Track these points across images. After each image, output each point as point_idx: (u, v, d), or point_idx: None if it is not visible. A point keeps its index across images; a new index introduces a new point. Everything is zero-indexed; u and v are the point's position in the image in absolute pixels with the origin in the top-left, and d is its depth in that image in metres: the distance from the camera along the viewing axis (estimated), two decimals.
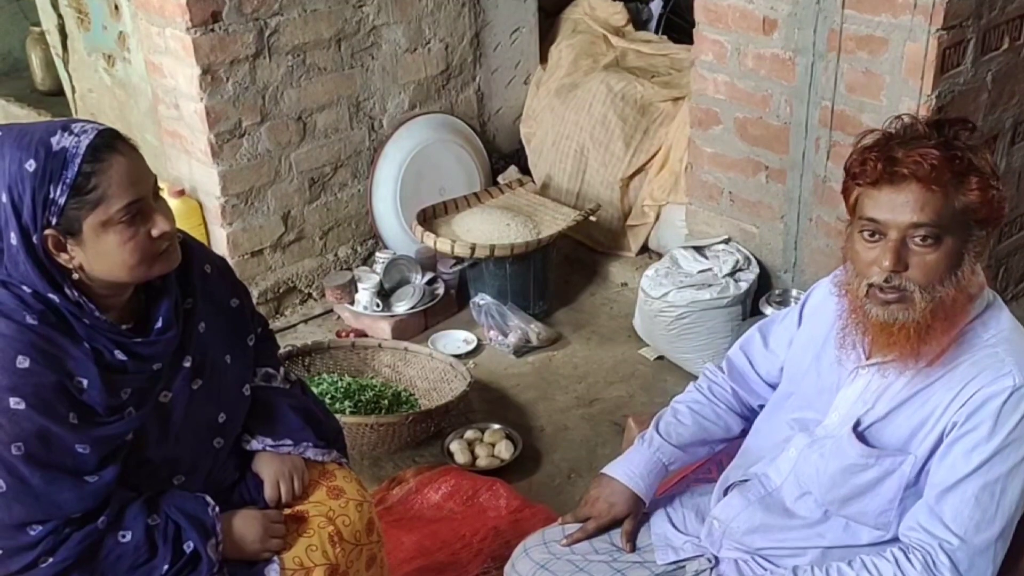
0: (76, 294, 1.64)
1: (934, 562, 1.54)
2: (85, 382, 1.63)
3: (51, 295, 1.62)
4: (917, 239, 1.52)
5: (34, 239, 1.60)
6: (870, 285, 1.56)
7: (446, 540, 2.66)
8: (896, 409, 1.62)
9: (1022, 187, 3.33)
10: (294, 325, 3.74)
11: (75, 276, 1.64)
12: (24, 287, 1.62)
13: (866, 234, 1.57)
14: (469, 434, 3.09)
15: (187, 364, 1.78)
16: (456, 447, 3.03)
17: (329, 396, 3.11)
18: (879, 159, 1.54)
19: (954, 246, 1.54)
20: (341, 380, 3.23)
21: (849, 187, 1.61)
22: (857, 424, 1.65)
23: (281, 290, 3.76)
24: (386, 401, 3.16)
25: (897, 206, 1.52)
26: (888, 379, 1.64)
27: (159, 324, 1.73)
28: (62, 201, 1.58)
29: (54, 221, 1.59)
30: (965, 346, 1.59)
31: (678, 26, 4.53)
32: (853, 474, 1.63)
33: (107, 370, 1.65)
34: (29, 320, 1.60)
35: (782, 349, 1.89)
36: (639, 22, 4.58)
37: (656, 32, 4.56)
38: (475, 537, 2.66)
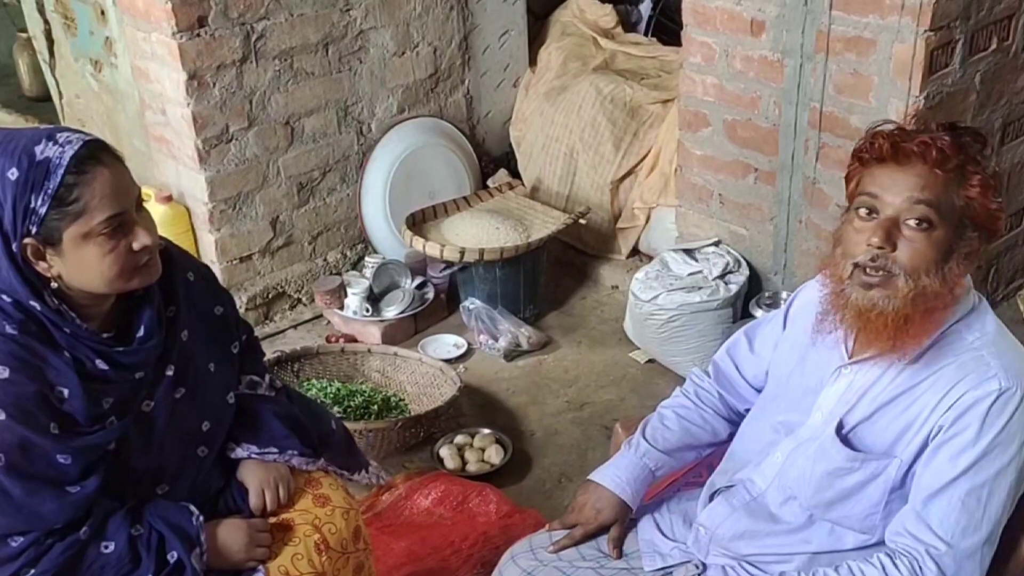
0: (56, 302, 1.63)
1: (921, 568, 1.53)
2: (66, 392, 1.61)
3: (32, 303, 1.61)
4: (911, 221, 1.52)
5: (13, 247, 1.58)
6: (855, 265, 1.55)
7: (436, 546, 2.64)
8: (880, 410, 1.61)
9: (1011, 188, 3.33)
10: (283, 330, 3.72)
11: (54, 285, 1.62)
12: (4, 296, 1.61)
13: (863, 211, 1.56)
14: (459, 439, 3.08)
15: (170, 373, 1.76)
16: (446, 452, 3.02)
17: (318, 402, 3.09)
18: (888, 138, 1.56)
19: (945, 238, 1.53)
20: (330, 385, 3.22)
21: (853, 172, 1.62)
22: (841, 427, 1.64)
23: (270, 295, 3.74)
24: (376, 406, 3.15)
25: (898, 182, 1.53)
26: (871, 378, 1.63)
27: (141, 332, 1.72)
28: (43, 211, 1.57)
29: (34, 230, 1.58)
30: (949, 349, 1.58)
31: (668, 28, 4.53)
32: (838, 478, 1.62)
33: (88, 379, 1.64)
34: (8, 330, 1.59)
35: (768, 352, 1.88)
36: (628, 24, 4.57)
37: (645, 34, 4.56)
38: (465, 543, 2.64)
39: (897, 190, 1.53)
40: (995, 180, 1.56)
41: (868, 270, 1.54)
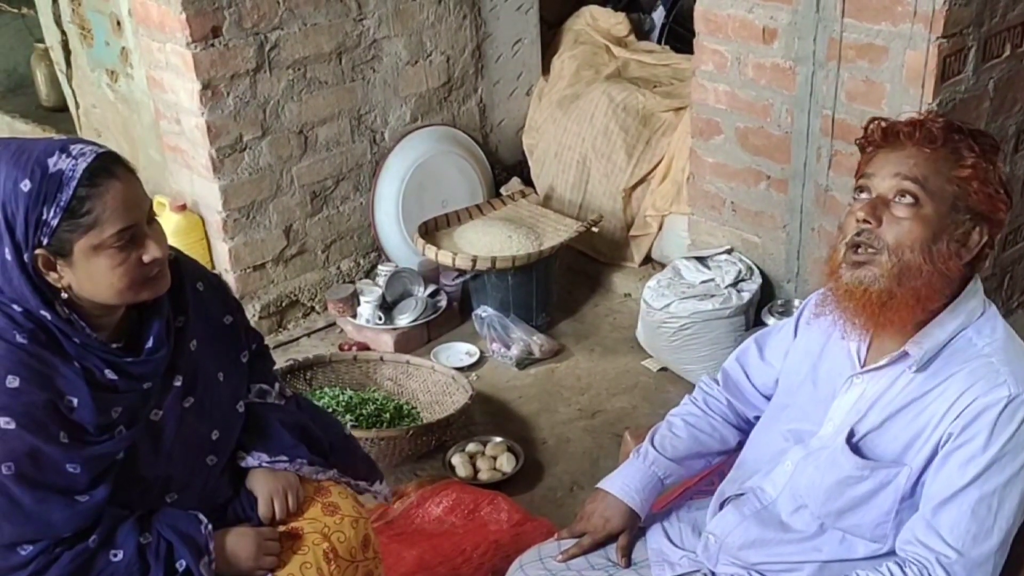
0: (67, 312, 1.64)
1: None
2: (75, 401, 1.62)
3: (43, 312, 1.62)
4: (897, 196, 1.55)
5: (25, 257, 1.60)
6: (847, 246, 1.58)
7: (447, 554, 2.64)
8: (890, 419, 1.61)
9: None
10: (297, 339, 3.74)
11: (64, 295, 1.64)
12: (15, 306, 1.62)
13: (857, 192, 1.60)
14: (471, 447, 3.08)
15: (178, 383, 1.77)
16: (458, 460, 3.02)
17: (331, 410, 3.10)
18: (881, 124, 1.60)
19: (934, 216, 1.53)
20: (343, 394, 3.23)
21: (858, 164, 1.66)
22: (851, 435, 1.63)
23: (284, 304, 3.76)
24: (388, 415, 3.15)
25: (889, 162, 1.57)
26: (882, 387, 1.62)
27: (150, 343, 1.73)
28: (55, 223, 1.58)
29: (45, 241, 1.59)
30: (959, 355, 1.57)
31: (681, 36, 4.52)
32: (848, 486, 1.61)
33: (98, 389, 1.65)
34: (19, 339, 1.60)
35: (778, 360, 1.88)
36: (641, 32, 4.57)
37: (658, 42, 4.56)
38: (476, 551, 2.64)
39: (887, 170, 1.56)
40: (993, 172, 1.56)
41: (856, 249, 1.57)
